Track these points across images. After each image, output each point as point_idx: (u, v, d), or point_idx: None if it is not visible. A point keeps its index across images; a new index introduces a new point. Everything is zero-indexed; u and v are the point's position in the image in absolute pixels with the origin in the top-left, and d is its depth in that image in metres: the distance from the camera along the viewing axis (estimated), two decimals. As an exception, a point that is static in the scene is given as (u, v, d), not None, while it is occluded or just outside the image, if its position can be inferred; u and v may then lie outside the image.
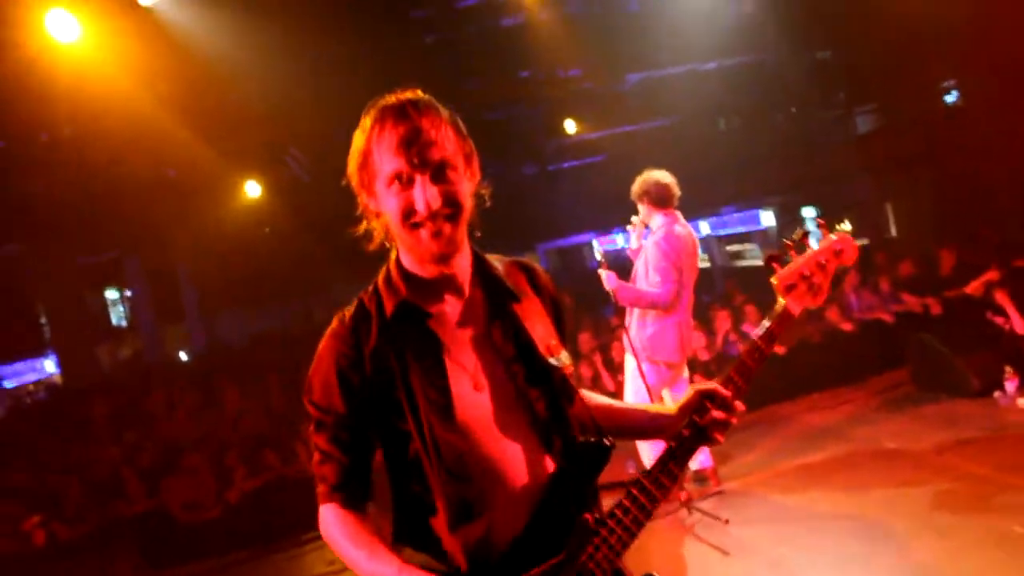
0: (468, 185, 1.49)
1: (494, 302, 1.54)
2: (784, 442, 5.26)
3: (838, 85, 13.82)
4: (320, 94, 8.94)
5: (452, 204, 1.44)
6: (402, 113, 1.42)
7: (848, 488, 4.34)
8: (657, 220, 4.40)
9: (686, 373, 4.54)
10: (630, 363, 4.34)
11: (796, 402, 6.46)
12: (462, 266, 1.53)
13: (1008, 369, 5.30)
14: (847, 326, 8.27)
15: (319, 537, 1.56)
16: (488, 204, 1.54)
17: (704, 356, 6.87)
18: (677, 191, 4.42)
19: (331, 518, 1.51)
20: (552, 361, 1.52)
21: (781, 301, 1.64)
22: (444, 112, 1.47)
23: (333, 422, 1.49)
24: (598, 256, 4.46)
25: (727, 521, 4.08)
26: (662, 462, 1.49)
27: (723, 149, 14.72)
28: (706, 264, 17.70)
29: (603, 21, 9.99)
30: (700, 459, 4.52)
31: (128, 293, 17.70)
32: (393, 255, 1.55)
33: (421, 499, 1.46)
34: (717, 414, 1.51)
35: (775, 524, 4.07)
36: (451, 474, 1.43)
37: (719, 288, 10.38)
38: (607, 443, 1.49)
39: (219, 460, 5.92)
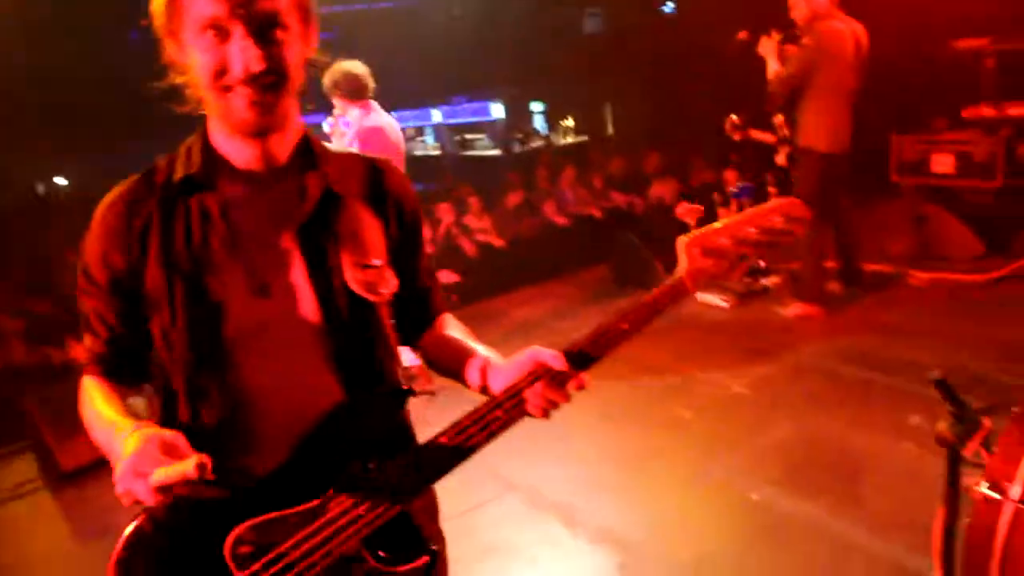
0: (300, 49, 1.23)
1: (309, 200, 1.29)
2: (498, 337, 5.41)
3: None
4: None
5: (276, 71, 1.17)
6: None
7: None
8: (353, 113, 4.33)
9: None
10: None
11: (510, 296, 6.69)
12: (282, 148, 1.28)
13: (691, 267, 5.89)
14: (561, 220, 8.74)
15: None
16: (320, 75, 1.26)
17: (428, 249, 6.86)
18: (371, 82, 4.29)
19: (85, 385, 1.32)
20: (358, 288, 1.29)
21: (682, 267, 1.28)
22: None
23: (96, 294, 1.29)
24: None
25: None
26: (463, 424, 1.24)
27: (457, 36, 14.46)
28: (437, 152, 17.77)
29: None
30: (409, 357, 4.51)
31: None
32: (205, 122, 1.29)
33: (175, 398, 1.28)
34: (545, 390, 1.25)
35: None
36: (205, 392, 1.25)
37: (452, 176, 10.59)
38: (404, 388, 1.35)
39: None
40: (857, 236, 5.36)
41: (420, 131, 15.31)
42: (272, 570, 1.19)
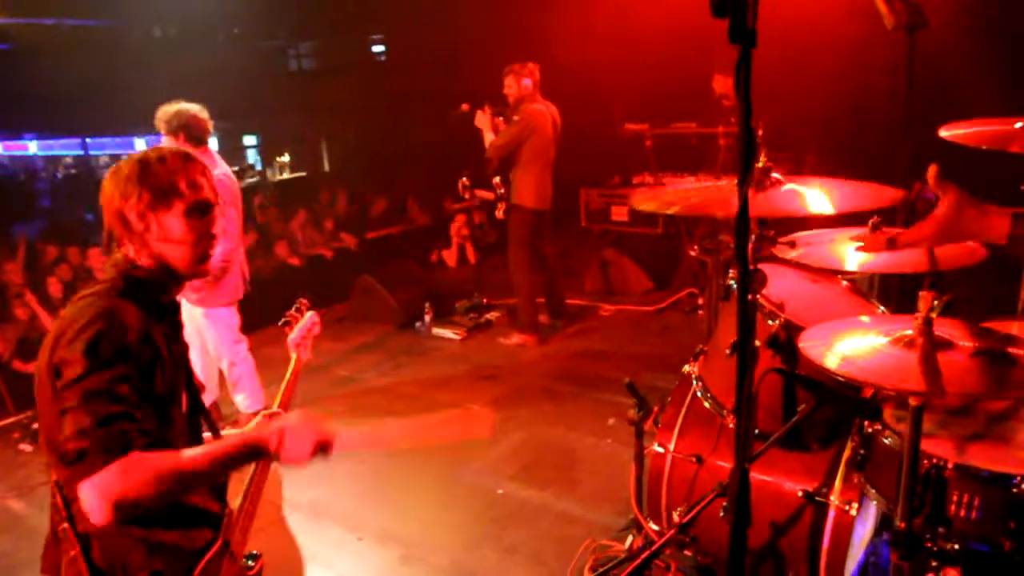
0: None
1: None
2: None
3: (281, 18, 14.24)
4: None
5: None
6: (195, 158, 1.78)
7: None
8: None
9: None
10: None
11: (255, 335, 6.93)
12: None
13: (427, 304, 6.70)
14: (295, 261, 9.10)
15: None
16: None
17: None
18: (211, 127, 4.20)
19: (145, 458, 1.49)
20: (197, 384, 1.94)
21: (294, 356, 2.32)
22: None
23: (129, 379, 1.56)
24: None
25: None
26: (256, 470, 2.06)
27: (161, 61, 13.77)
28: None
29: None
30: (244, 404, 4.84)
31: None
32: (129, 262, 1.74)
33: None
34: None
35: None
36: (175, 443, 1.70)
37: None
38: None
39: None
40: (558, 276, 6.54)
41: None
42: None
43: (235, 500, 1.92)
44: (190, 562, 1.69)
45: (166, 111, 4.06)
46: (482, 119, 6.07)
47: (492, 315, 6.79)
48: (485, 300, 6.89)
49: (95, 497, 1.43)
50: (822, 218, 2.23)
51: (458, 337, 6.44)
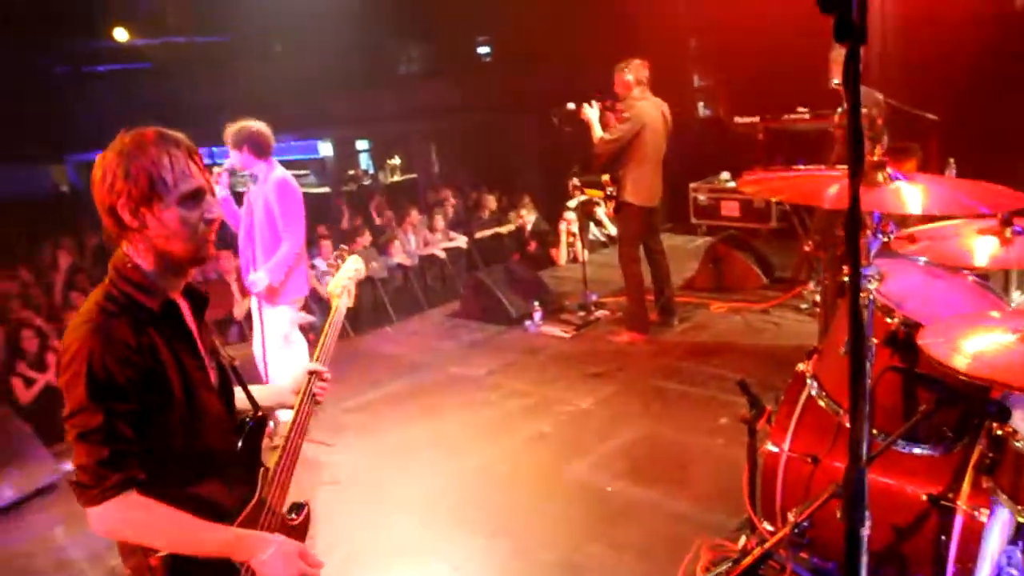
0: None
1: (195, 307, 1.82)
2: (367, 372, 5.95)
3: (390, 23, 14.64)
4: None
5: None
6: (180, 141, 1.67)
7: (426, 412, 5.23)
8: (261, 168, 4.57)
9: None
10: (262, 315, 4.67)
11: (369, 334, 7.22)
12: None
13: (536, 303, 6.77)
14: (408, 261, 9.39)
15: None
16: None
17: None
18: (273, 140, 4.62)
19: (141, 503, 1.58)
20: (227, 360, 1.88)
21: (335, 305, 2.16)
22: None
23: (125, 410, 1.57)
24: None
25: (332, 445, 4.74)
26: (296, 424, 1.93)
27: (280, 72, 14.46)
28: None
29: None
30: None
31: None
32: (126, 263, 1.67)
33: (177, 459, 1.68)
34: (323, 385, 2.03)
35: (371, 450, 4.78)
36: (206, 438, 1.72)
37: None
38: (263, 416, 1.92)
39: None
40: (668, 273, 6.46)
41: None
42: None
43: (271, 457, 1.89)
44: (227, 521, 1.72)
45: (231, 127, 4.54)
46: (590, 112, 6.05)
47: (601, 313, 6.78)
48: (594, 298, 6.89)
49: (96, 526, 1.59)
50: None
51: (567, 335, 6.47)
